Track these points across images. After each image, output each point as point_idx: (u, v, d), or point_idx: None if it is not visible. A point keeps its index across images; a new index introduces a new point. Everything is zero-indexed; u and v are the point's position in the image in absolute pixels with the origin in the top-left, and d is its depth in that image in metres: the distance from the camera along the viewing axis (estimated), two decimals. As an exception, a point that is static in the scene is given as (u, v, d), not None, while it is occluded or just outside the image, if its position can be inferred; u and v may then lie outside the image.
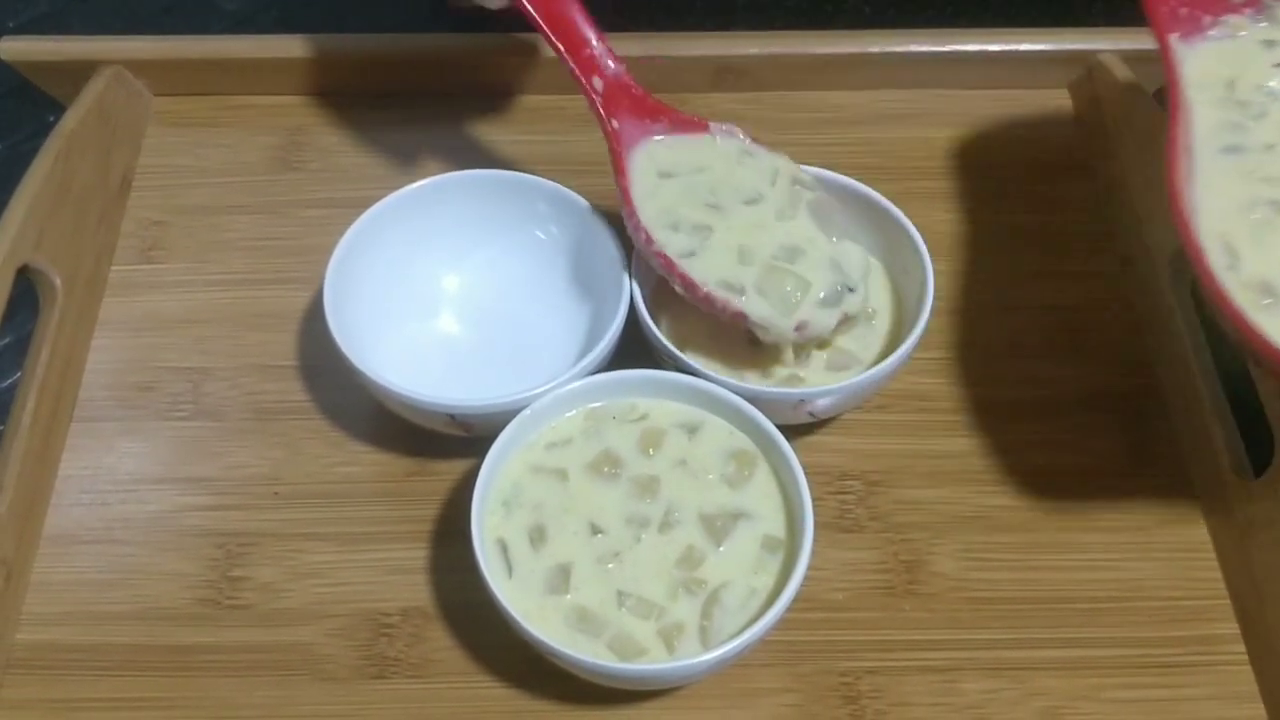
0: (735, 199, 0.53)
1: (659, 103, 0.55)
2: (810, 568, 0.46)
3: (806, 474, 0.48)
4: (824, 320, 0.51)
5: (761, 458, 0.50)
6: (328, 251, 0.53)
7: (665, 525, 0.48)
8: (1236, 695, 0.50)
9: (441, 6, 0.73)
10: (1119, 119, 0.63)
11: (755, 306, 0.50)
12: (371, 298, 0.55)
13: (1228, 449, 0.53)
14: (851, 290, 0.51)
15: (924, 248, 0.54)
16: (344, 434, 0.56)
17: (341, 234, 0.54)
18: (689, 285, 0.51)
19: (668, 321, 0.54)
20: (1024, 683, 0.50)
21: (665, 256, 0.51)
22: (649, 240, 0.51)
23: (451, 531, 0.53)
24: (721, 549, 0.48)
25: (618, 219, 0.55)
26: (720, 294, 0.50)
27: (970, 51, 0.66)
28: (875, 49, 0.66)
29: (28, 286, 0.56)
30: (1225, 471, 0.53)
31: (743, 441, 0.50)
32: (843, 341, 0.54)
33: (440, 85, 0.67)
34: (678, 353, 0.51)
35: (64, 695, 0.49)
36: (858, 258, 0.53)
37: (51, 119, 0.64)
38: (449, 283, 0.58)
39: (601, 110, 0.54)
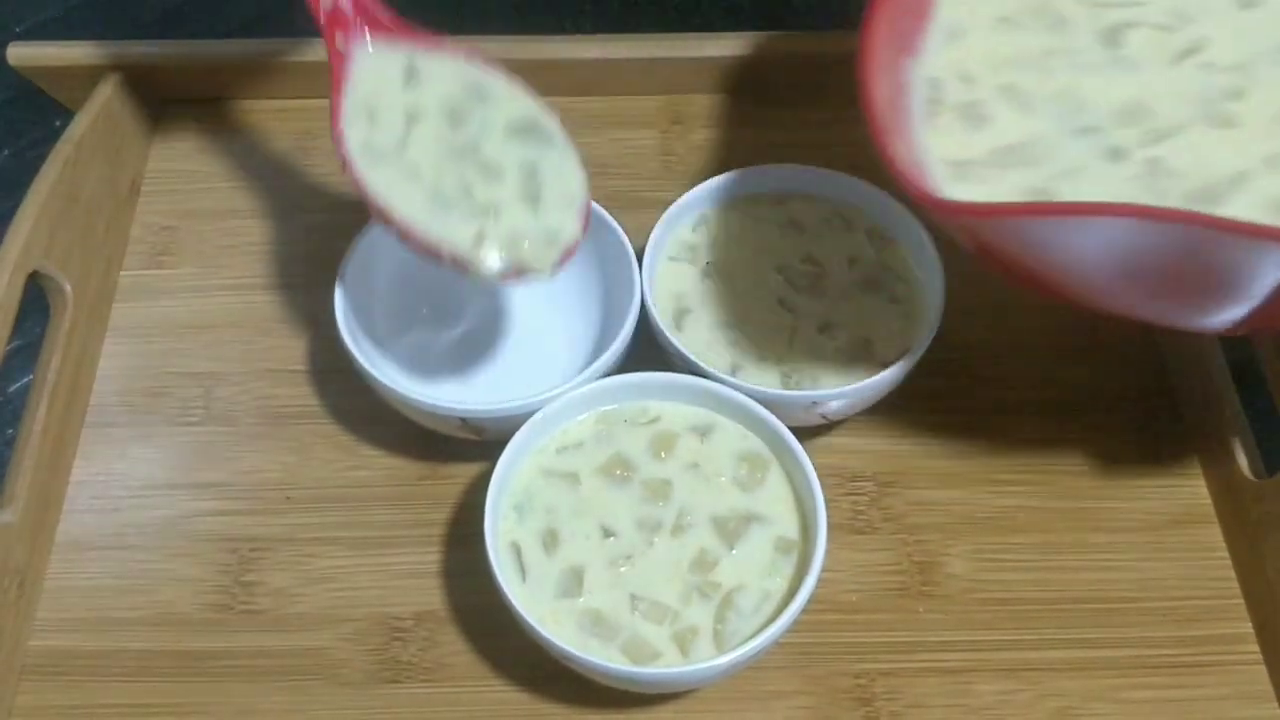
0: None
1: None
2: (823, 570, 0.46)
3: (819, 476, 0.48)
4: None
5: (774, 460, 0.50)
6: (337, 255, 0.53)
7: (678, 528, 0.48)
8: (1251, 695, 0.50)
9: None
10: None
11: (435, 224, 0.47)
12: (382, 301, 0.55)
13: (1241, 448, 0.53)
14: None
15: (935, 248, 0.54)
16: (355, 438, 0.56)
17: (351, 238, 0.54)
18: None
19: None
20: (1038, 684, 0.50)
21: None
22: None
23: (464, 535, 0.53)
24: (734, 552, 0.48)
25: (628, 220, 0.55)
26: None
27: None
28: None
29: (38, 293, 0.56)
30: (1239, 471, 0.53)
31: (755, 444, 0.50)
32: (871, 332, 0.54)
33: (448, 88, 0.66)
34: (689, 355, 0.51)
35: (78, 701, 0.49)
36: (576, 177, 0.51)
37: (58, 124, 0.64)
38: (459, 286, 0.58)
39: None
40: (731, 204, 0.57)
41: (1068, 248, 0.39)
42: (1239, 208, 0.39)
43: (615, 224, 0.55)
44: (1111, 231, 0.36)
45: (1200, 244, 0.35)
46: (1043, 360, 0.58)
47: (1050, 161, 0.43)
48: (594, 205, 0.55)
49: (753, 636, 0.44)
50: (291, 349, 0.59)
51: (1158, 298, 0.42)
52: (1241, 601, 0.52)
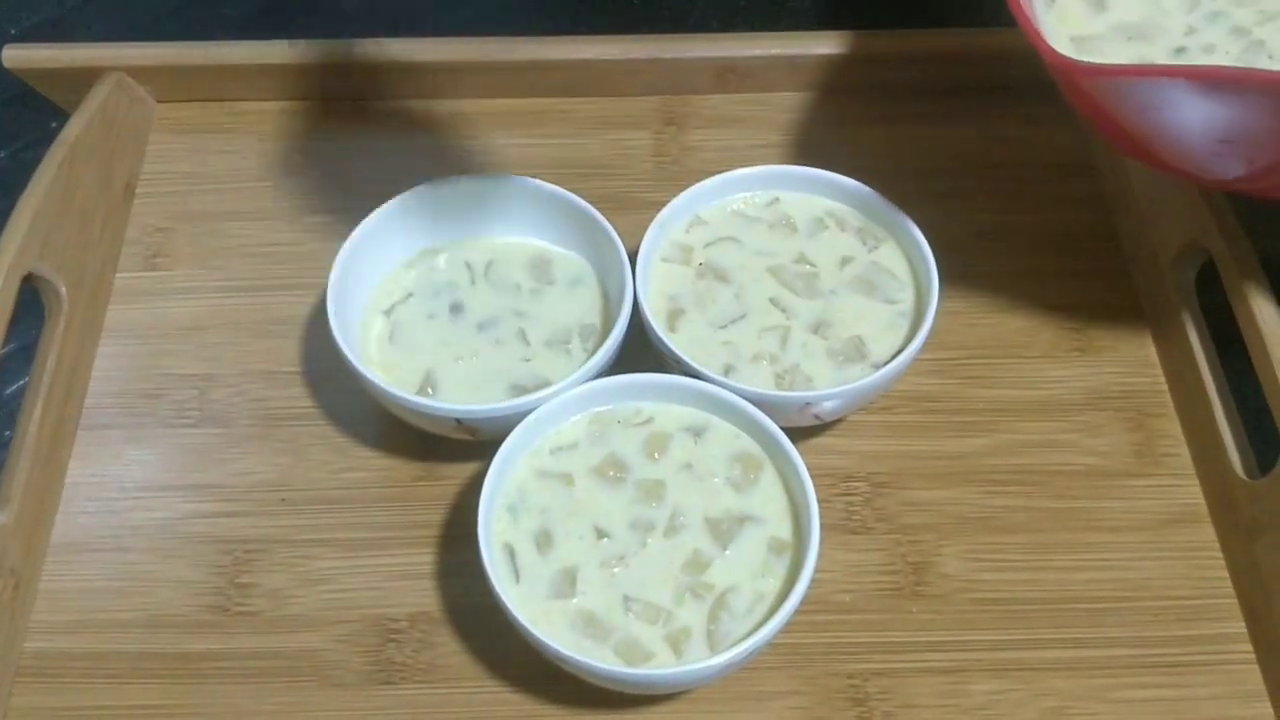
0: None
1: None
2: (817, 570, 0.46)
3: (812, 476, 0.48)
4: None
5: (767, 461, 0.50)
6: (331, 257, 0.54)
7: (671, 529, 0.48)
8: (1244, 694, 0.50)
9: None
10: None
11: None
12: (374, 303, 0.55)
13: (1234, 448, 0.53)
14: None
15: (929, 249, 0.54)
16: (350, 439, 0.56)
17: (345, 239, 0.54)
18: None
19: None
20: (1031, 683, 0.50)
21: None
22: None
23: (458, 536, 0.53)
24: (728, 553, 0.48)
25: (622, 222, 0.55)
26: None
27: (973, 51, 0.66)
28: (880, 50, 0.66)
29: (33, 294, 0.56)
30: (1232, 470, 0.53)
31: (748, 444, 0.50)
32: (865, 333, 0.54)
33: (444, 89, 0.67)
34: (683, 355, 0.51)
35: (73, 703, 0.49)
36: None
37: (54, 125, 0.64)
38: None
39: None
40: (724, 205, 0.57)
41: (1181, 108, 0.43)
42: None
43: (608, 225, 0.55)
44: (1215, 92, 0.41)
45: None
46: (1035, 360, 0.58)
47: (1164, 38, 0.49)
48: (588, 206, 0.55)
49: (746, 637, 0.45)
50: (286, 350, 0.59)
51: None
52: (1234, 601, 0.52)
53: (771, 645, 0.45)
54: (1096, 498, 0.55)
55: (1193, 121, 0.43)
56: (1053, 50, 0.44)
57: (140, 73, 0.65)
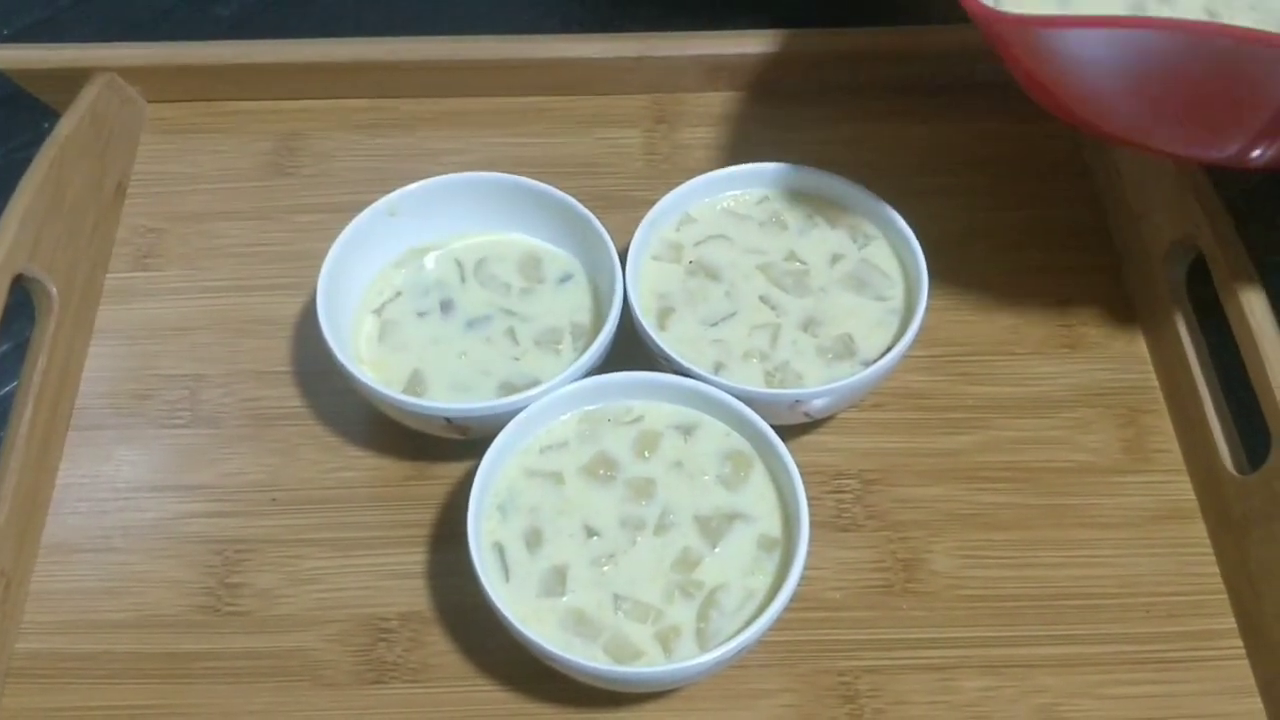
0: None
1: None
2: (807, 567, 0.46)
3: (802, 473, 0.48)
4: None
5: (757, 458, 0.50)
6: (321, 257, 0.53)
7: (661, 527, 0.48)
8: (1234, 690, 0.50)
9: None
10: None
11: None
12: (364, 302, 0.55)
13: (1224, 444, 0.53)
14: None
15: (919, 245, 0.54)
16: (340, 439, 0.56)
17: (334, 239, 0.54)
18: None
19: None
20: (1022, 680, 0.50)
21: None
22: None
23: (448, 536, 0.53)
24: (717, 550, 0.48)
25: (612, 220, 0.55)
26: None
27: (965, 48, 0.66)
28: (871, 47, 0.66)
29: (23, 295, 0.56)
30: (1222, 467, 0.53)
31: (738, 442, 0.50)
32: (855, 330, 0.54)
33: (432, 88, 0.67)
34: (673, 354, 0.51)
35: (64, 704, 0.49)
36: None
37: (46, 126, 0.64)
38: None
39: None
40: (715, 202, 0.57)
41: (1109, 60, 0.42)
42: None
43: (598, 223, 0.55)
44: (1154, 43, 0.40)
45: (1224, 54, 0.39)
46: (1026, 357, 0.58)
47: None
48: (576, 204, 0.55)
49: (735, 635, 0.45)
50: (277, 350, 0.59)
51: (1186, 117, 0.44)
52: (1224, 596, 0.52)
53: (762, 643, 0.45)
54: (1087, 494, 0.55)
55: (1124, 78, 0.42)
56: (975, 0, 0.42)
57: (131, 73, 0.65)
